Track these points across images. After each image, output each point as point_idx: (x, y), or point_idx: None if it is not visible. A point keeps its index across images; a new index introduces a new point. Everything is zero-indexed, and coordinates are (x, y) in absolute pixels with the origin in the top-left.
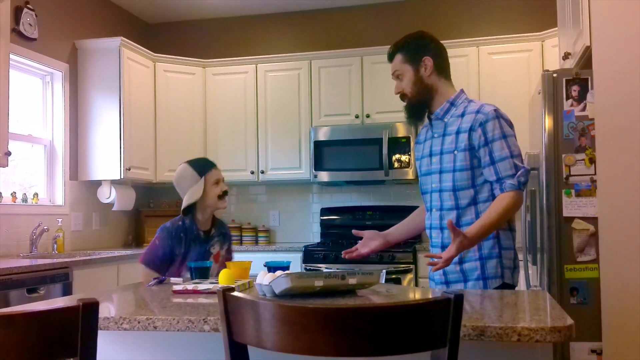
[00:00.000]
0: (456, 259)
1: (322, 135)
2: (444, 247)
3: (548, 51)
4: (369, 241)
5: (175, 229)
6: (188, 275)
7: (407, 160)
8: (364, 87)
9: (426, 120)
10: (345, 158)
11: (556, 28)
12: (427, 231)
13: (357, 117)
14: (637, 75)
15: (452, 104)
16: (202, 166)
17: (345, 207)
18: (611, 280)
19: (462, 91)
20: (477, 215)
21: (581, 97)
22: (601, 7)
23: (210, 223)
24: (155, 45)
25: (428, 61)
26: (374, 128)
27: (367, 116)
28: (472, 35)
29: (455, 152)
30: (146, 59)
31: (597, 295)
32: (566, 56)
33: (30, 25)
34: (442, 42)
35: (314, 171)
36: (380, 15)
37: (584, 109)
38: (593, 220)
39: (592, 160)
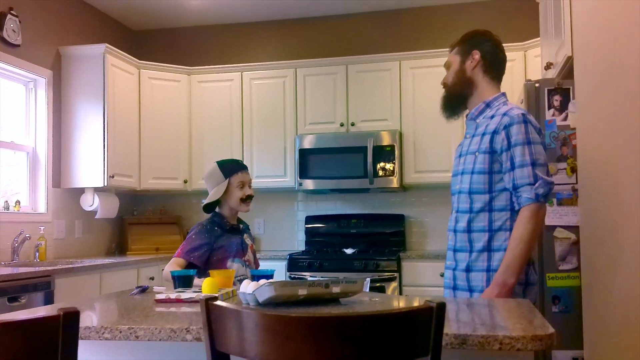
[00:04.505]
0: (464, 266)
1: (307, 143)
2: (455, 251)
3: (530, 61)
4: None
5: (209, 223)
6: (235, 267)
7: (391, 168)
8: (349, 96)
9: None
10: (330, 166)
11: (538, 38)
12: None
13: (342, 125)
14: (618, 85)
15: (488, 105)
16: (230, 168)
17: (330, 215)
18: (593, 288)
19: (502, 94)
20: (490, 224)
21: (563, 107)
22: (583, 17)
23: (236, 220)
24: (140, 52)
25: (476, 54)
26: (359, 136)
27: (352, 124)
28: None
29: (477, 153)
30: (131, 66)
31: (579, 304)
32: (548, 66)
33: (14, 31)
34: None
35: (299, 179)
36: (365, 24)
37: (565, 119)
38: (575, 229)
39: (573, 170)
